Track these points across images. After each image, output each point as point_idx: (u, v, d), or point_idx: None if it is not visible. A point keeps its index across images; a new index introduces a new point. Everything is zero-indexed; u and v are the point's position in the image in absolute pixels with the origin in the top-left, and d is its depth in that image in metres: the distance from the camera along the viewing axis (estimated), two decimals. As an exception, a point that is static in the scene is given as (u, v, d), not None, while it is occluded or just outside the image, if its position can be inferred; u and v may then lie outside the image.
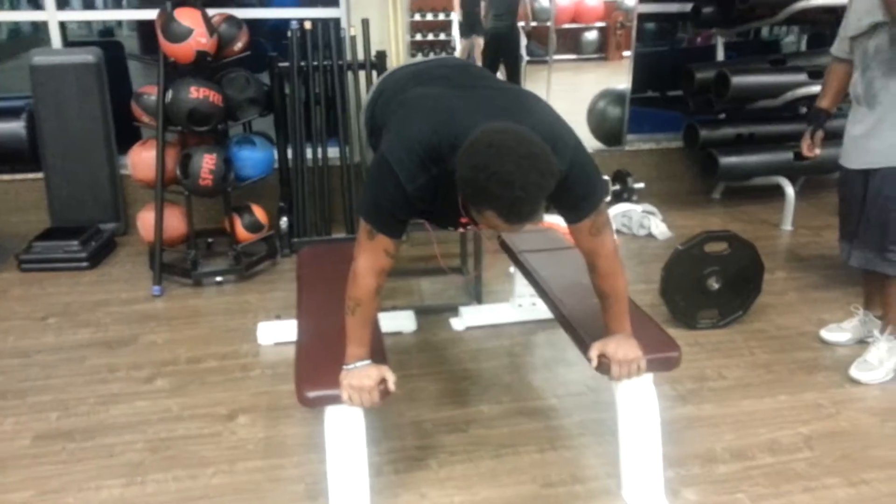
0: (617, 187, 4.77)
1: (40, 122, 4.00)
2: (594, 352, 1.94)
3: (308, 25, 3.82)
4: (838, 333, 3.00)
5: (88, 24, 6.76)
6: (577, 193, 1.76)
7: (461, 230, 2.12)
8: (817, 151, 2.92)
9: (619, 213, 4.38)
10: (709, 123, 4.62)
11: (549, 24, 4.42)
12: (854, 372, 2.72)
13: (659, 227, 4.28)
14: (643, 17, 5.02)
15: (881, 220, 2.62)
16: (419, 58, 2.43)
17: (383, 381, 1.83)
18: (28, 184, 4.16)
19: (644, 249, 4.08)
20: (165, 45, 3.31)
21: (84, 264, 3.78)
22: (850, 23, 2.64)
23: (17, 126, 4.03)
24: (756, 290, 3.17)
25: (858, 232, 2.72)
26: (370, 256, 1.79)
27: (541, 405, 2.56)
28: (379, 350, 1.97)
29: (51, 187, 4.09)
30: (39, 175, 4.10)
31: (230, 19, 3.61)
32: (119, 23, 6.89)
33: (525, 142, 1.50)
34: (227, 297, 3.50)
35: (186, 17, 3.27)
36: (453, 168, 1.56)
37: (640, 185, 4.75)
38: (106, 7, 6.70)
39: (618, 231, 4.28)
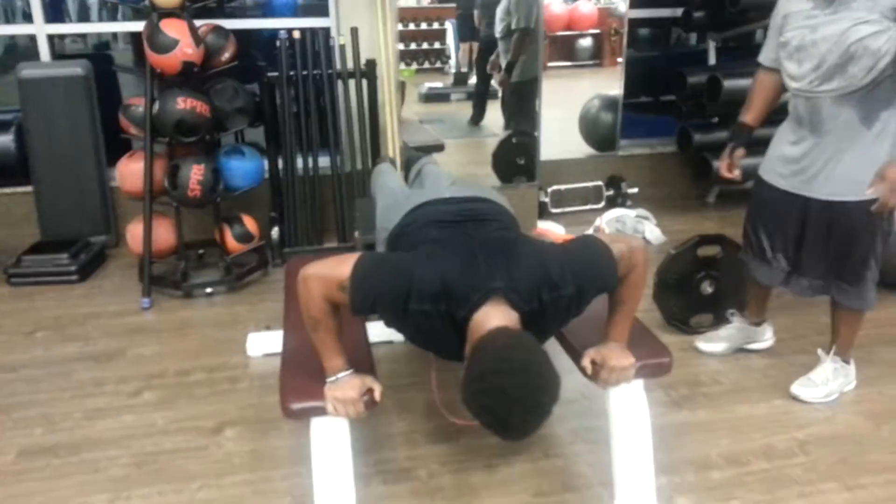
0: (611, 192, 4.76)
1: (29, 136, 3.97)
2: (587, 360, 1.91)
3: (297, 35, 3.81)
4: (714, 343, 2.91)
5: (84, 37, 6.70)
6: (599, 286, 1.82)
7: None
8: (737, 173, 2.66)
9: (612, 218, 4.35)
10: (702, 127, 4.59)
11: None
12: (795, 388, 2.60)
13: (653, 231, 4.25)
14: (637, 23, 5.01)
15: (841, 251, 2.42)
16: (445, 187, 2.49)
17: (369, 391, 1.80)
18: (18, 197, 4.13)
19: (638, 254, 4.04)
20: (152, 56, 3.29)
21: (74, 277, 3.74)
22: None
23: (6, 140, 4.01)
24: (751, 293, 3.14)
25: (801, 259, 2.53)
26: (327, 285, 1.72)
27: (533, 413, 2.52)
28: (366, 360, 1.94)
29: (41, 200, 4.06)
30: (29, 188, 4.07)
31: (217, 30, 3.59)
32: (115, 36, 6.84)
33: (533, 364, 1.55)
34: (217, 308, 3.47)
35: (172, 28, 3.25)
36: (459, 315, 1.68)
37: (634, 189, 4.74)
38: (101, 20, 6.66)
39: (612, 236, 4.24)
